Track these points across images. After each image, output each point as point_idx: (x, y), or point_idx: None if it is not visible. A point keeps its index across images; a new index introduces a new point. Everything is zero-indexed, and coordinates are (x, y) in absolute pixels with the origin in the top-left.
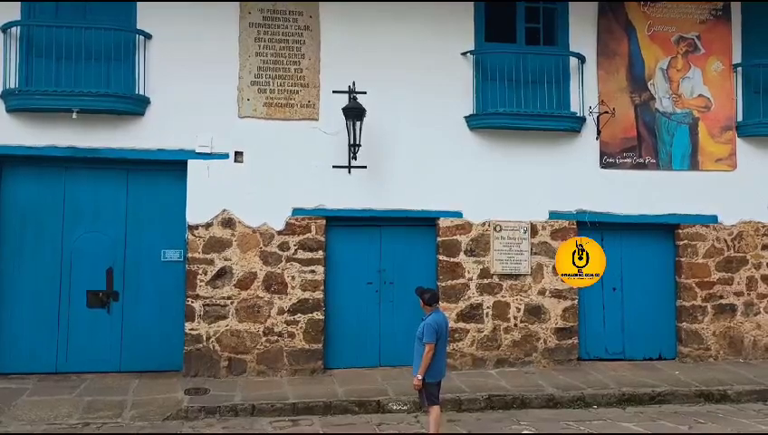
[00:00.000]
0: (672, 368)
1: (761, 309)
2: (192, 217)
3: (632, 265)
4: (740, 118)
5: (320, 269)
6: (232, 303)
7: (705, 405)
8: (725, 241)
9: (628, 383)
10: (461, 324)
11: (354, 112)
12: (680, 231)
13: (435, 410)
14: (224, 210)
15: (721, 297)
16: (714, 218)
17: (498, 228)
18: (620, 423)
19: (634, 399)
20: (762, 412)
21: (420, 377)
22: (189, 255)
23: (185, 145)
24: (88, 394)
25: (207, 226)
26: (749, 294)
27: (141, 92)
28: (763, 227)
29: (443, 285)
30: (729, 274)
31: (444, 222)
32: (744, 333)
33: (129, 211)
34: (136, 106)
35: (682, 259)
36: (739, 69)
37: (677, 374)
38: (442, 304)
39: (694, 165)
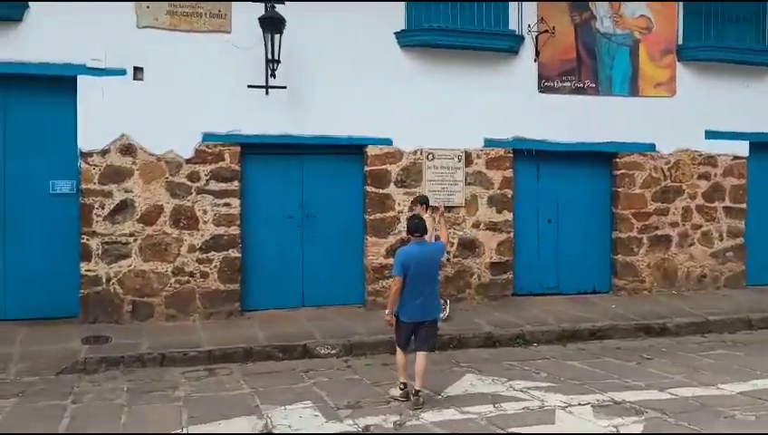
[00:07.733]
0: (608, 302)
1: (695, 240)
2: (85, 142)
3: (568, 196)
4: (680, 41)
5: (235, 202)
6: (135, 240)
7: (647, 339)
8: (662, 170)
9: (567, 319)
10: (390, 261)
11: (272, 22)
12: (618, 160)
13: (398, 354)
14: (122, 135)
15: (656, 228)
16: (651, 147)
17: (431, 157)
18: (565, 362)
19: (575, 335)
20: (703, 345)
21: (388, 312)
22: (83, 186)
23: (73, 59)
24: None
25: (104, 153)
26: (684, 225)
27: None
28: (699, 155)
29: (371, 218)
30: (665, 204)
31: (372, 150)
32: (678, 265)
33: (7, 136)
34: (10, 9)
35: (619, 189)
36: None
37: (614, 308)
38: (370, 239)
39: (634, 90)
